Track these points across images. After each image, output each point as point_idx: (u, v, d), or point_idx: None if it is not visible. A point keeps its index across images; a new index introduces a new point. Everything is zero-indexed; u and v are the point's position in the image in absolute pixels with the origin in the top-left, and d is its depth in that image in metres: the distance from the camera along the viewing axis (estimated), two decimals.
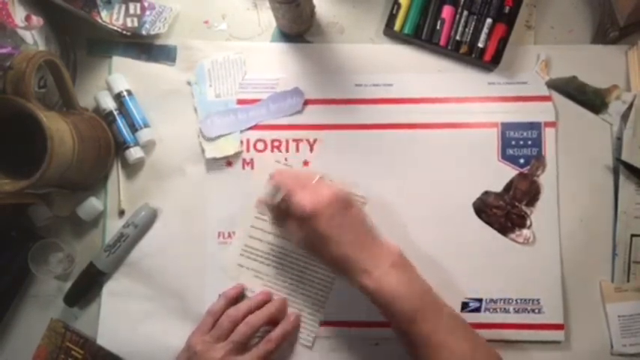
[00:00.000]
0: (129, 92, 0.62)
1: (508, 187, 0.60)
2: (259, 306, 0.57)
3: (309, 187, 0.52)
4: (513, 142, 0.60)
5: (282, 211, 0.53)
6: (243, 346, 0.54)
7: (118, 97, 0.61)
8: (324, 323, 0.59)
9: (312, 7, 0.62)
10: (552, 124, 0.60)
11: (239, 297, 0.59)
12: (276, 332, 0.56)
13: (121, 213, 0.62)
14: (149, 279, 0.61)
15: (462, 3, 0.60)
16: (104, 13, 0.61)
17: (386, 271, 0.49)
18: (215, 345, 0.54)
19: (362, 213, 0.53)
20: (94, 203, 0.60)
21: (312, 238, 0.51)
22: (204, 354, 0.53)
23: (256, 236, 0.60)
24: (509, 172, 0.60)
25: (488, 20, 0.60)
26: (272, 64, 0.63)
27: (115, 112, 0.61)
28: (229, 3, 0.64)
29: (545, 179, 0.60)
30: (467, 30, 0.60)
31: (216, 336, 0.54)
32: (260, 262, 0.60)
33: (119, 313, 0.60)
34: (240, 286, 0.59)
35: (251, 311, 0.56)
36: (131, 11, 0.62)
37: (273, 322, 0.57)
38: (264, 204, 0.55)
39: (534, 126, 0.60)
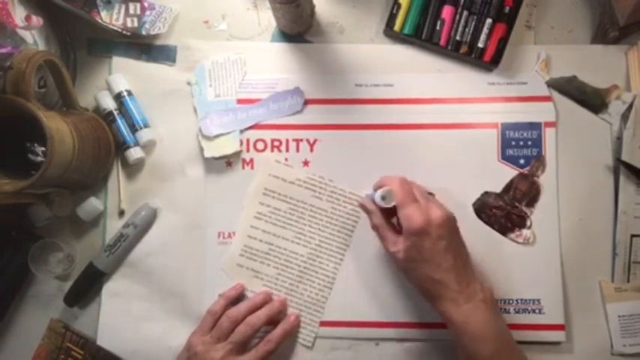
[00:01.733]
0: (129, 92, 0.62)
1: (508, 187, 0.60)
2: (259, 306, 0.57)
3: (420, 202, 0.51)
4: (513, 143, 0.60)
5: (387, 218, 0.53)
6: (243, 347, 0.54)
7: (118, 97, 0.61)
8: (324, 323, 0.59)
9: (312, 7, 0.62)
10: (552, 125, 0.60)
11: (239, 297, 0.59)
12: (276, 332, 0.56)
13: (121, 213, 0.62)
14: (149, 279, 0.61)
15: (462, 3, 0.60)
16: (104, 13, 0.61)
17: (475, 306, 0.49)
18: (215, 345, 0.54)
19: (463, 241, 0.53)
20: (94, 203, 0.60)
21: (412, 254, 0.50)
22: (205, 354, 0.53)
23: (256, 236, 0.60)
24: (510, 173, 0.60)
25: (488, 20, 0.60)
26: (272, 64, 0.63)
27: (115, 112, 0.61)
28: (229, 3, 0.64)
29: (546, 179, 0.60)
30: (467, 30, 0.60)
31: (216, 336, 0.54)
32: (260, 263, 0.60)
33: (119, 313, 0.60)
34: (240, 287, 0.59)
35: (251, 311, 0.56)
36: (131, 11, 0.62)
37: (273, 322, 0.57)
38: (369, 206, 0.54)
39: (534, 126, 0.60)
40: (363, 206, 0.55)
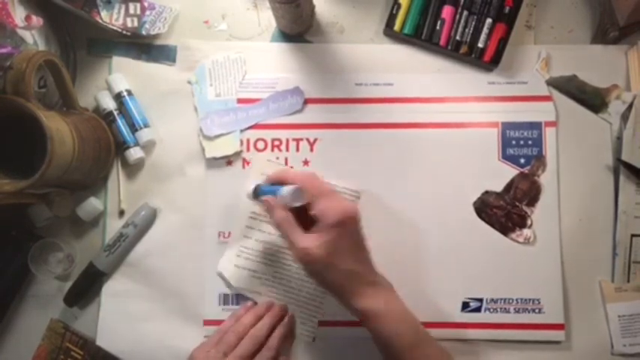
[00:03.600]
0: (129, 92, 0.62)
1: (509, 186, 0.60)
2: (246, 331, 0.56)
3: (330, 195, 0.51)
4: (514, 142, 0.60)
5: (296, 214, 0.51)
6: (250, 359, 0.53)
7: (118, 97, 0.61)
8: (323, 323, 0.59)
9: (312, 7, 0.62)
10: (553, 124, 0.60)
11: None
12: (274, 338, 0.55)
13: (121, 213, 0.62)
14: (149, 279, 0.61)
15: (462, 3, 0.60)
16: (104, 13, 0.61)
17: (390, 294, 0.51)
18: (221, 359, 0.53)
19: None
20: (94, 203, 0.60)
21: (333, 248, 0.49)
22: None
23: (252, 236, 0.60)
24: (510, 172, 0.60)
25: (488, 20, 0.60)
26: (272, 63, 0.63)
27: (115, 112, 0.61)
28: (229, 3, 0.64)
29: (546, 179, 0.60)
30: (467, 30, 0.60)
31: (222, 350, 0.53)
32: (257, 262, 0.60)
33: (119, 313, 0.60)
34: (250, 306, 0.59)
35: (256, 324, 0.55)
36: (131, 11, 0.62)
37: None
38: (271, 201, 0.52)
39: (535, 126, 0.60)
40: (266, 202, 0.52)
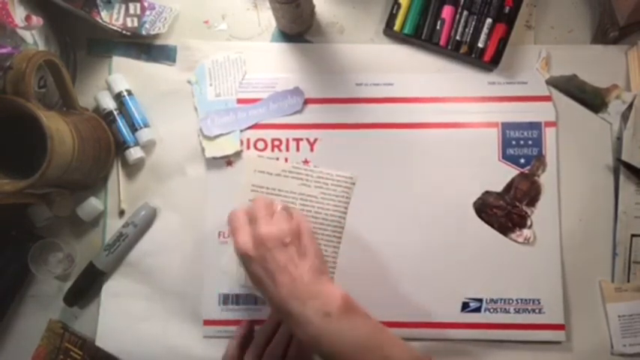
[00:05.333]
0: (129, 92, 0.62)
1: (509, 187, 0.60)
2: (275, 330, 0.55)
3: (258, 220, 0.48)
4: (514, 142, 0.60)
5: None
6: None
7: (118, 97, 0.61)
8: None
9: (312, 7, 0.62)
10: (553, 124, 0.60)
11: (250, 333, 0.58)
12: (292, 348, 0.54)
13: (121, 213, 0.62)
14: (149, 279, 0.60)
15: (462, 3, 0.60)
16: (104, 13, 0.61)
17: (321, 323, 0.44)
18: None
19: (308, 247, 0.48)
20: (94, 203, 0.60)
21: (252, 279, 0.48)
22: None
23: None
24: (510, 172, 0.60)
25: (488, 20, 0.60)
26: (272, 63, 0.63)
27: (115, 112, 0.61)
28: (229, 3, 0.64)
29: (546, 179, 0.60)
30: (467, 30, 0.60)
31: None
32: None
33: (118, 313, 0.60)
34: (246, 323, 0.58)
35: (269, 340, 0.54)
36: (131, 11, 0.62)
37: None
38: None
39: (534, 126, 0.60)
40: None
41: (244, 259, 0.47)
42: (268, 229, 0.47)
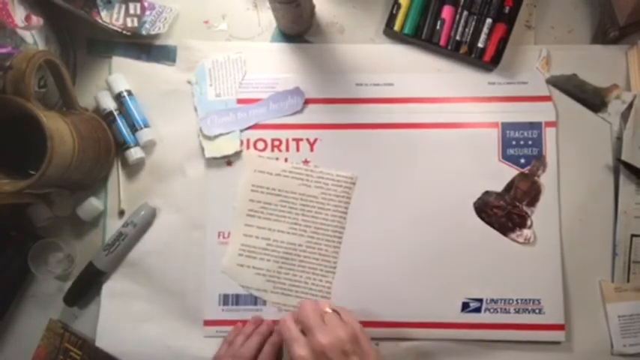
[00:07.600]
0: (129, 92, 0.62)
1: (509, 187, 0.60)
2: (266, 335, 0.56)
3: (313, 329, 0.47)
4: (514, 142, 0.60)
5: None
6: None
7: (118, 97, 0.61)
8: None
9: (312, 7, 0.62)
10: (553, 124, 0.60)
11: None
12: (263, 354, 0.54)
13: (121, 213, 0.62)
14: (149, 279, 0.60)
15: (462, 3, 0.60)
16: (104, 13, 0.61)
17: None
18: None
19: (368, 350, 0.47)
20: (94, 203, 0.60)
21: None
22: None
23: (252, 234, 0.60)
24: (510, 172, 0.60)
25: (488, 20, 0.60)
26: (272, 64, 0.63)
27: (115, 112, 0.61)
28: (229, 3, 0.64)
29: (546, 179, 0.60)
30: (467, 30, 0.60)
31: None
32: (260, 259, 0.60)
33: (118, 313, 0.60)
34: (237, 327, 0.58)
35: (261, 345, 0.55)
36: (131, 11, 0.62)
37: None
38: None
39: (535, 126, 0.60)
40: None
41: None
42: (326, 339, 0.45)
